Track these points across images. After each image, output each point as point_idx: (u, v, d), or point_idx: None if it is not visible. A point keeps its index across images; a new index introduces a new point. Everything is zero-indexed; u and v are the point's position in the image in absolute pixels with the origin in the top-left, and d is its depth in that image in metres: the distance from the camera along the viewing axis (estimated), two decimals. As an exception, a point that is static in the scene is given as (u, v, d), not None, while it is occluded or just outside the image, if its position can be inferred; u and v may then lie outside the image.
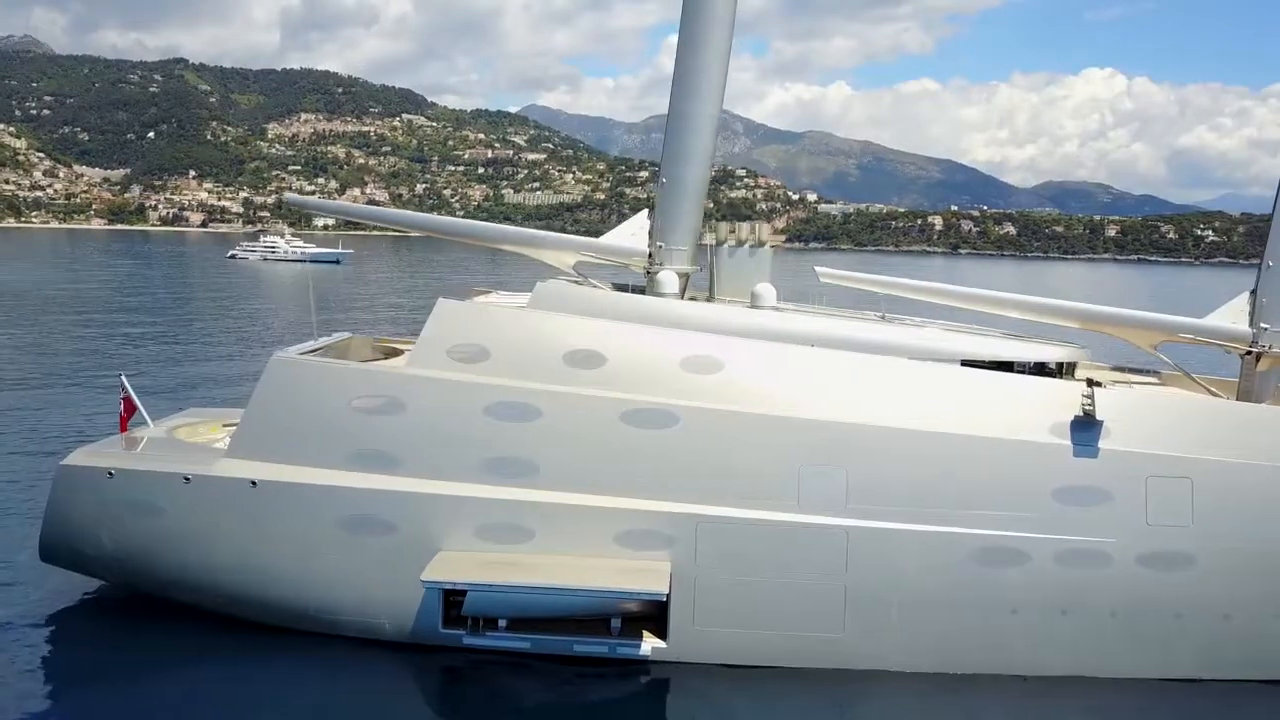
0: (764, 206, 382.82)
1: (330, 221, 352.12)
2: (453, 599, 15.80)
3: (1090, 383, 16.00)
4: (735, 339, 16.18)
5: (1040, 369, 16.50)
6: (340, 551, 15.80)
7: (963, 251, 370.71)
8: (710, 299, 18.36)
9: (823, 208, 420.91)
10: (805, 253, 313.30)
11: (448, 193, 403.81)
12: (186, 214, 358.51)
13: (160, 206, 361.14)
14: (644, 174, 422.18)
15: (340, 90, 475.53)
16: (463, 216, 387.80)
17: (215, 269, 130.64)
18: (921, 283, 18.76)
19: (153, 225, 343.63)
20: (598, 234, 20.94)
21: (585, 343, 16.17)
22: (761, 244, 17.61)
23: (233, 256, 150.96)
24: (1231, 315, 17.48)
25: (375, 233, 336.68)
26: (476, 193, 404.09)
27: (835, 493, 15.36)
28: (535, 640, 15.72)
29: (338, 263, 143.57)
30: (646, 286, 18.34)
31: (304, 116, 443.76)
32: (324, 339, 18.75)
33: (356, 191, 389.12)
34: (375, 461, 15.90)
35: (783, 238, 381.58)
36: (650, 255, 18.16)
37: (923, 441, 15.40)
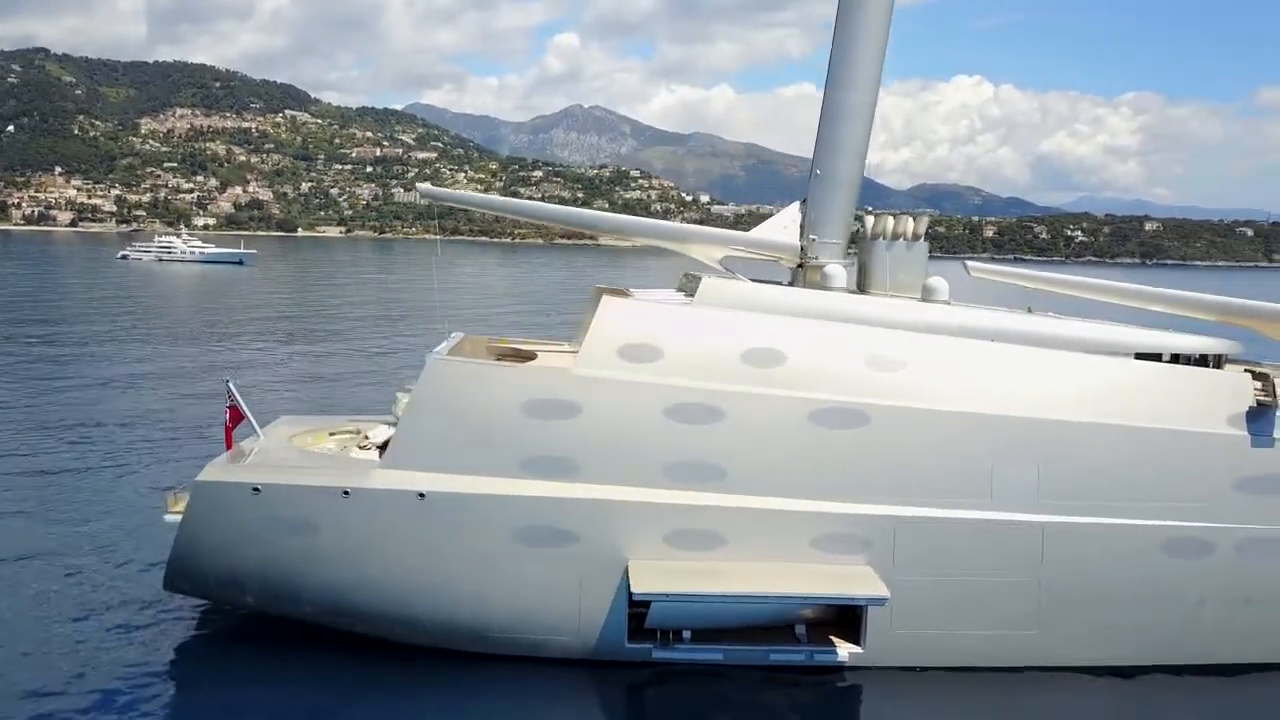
0: (658, 208, 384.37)
1: (210, 221, 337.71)
2: (634, 611, 15.06)
3: (1256, 374, 16.30)
4: (917, 334, 15.87)
5: (1202, 360, 16.73)
6: (519, 565, 14.84)
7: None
8: (859, 293, 17.96)
9: (715, 209, 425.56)
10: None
11: (335, 191, 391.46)
12: (54, 212, 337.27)
13: (24, 204, 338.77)
14: (538, 174, 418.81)
15: (218, 85, 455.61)
16: (351, 216, 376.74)
17: (109, 270, 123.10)
18: (1067, 276, 18.87)
19: (16, 224, 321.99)
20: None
21: (763, 340, 15.60)
22: (917, 238, 17.32)
23: (124, 257, 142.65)
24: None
25: (260, 233, 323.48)
26: (365, 191, 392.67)
27: (1028, 488, 15.24)
28: (729, 651, 15.09)
29: (241, 263, 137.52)
30: (795, 280, 17.86)
31: (179, 111, 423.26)
32: (451, 340, 17.63)
33: (239, 190, 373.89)
34: (552, 468, 14.98)
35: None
36: (803, 249, 17.68)
37: (1109, 435, 15.42)
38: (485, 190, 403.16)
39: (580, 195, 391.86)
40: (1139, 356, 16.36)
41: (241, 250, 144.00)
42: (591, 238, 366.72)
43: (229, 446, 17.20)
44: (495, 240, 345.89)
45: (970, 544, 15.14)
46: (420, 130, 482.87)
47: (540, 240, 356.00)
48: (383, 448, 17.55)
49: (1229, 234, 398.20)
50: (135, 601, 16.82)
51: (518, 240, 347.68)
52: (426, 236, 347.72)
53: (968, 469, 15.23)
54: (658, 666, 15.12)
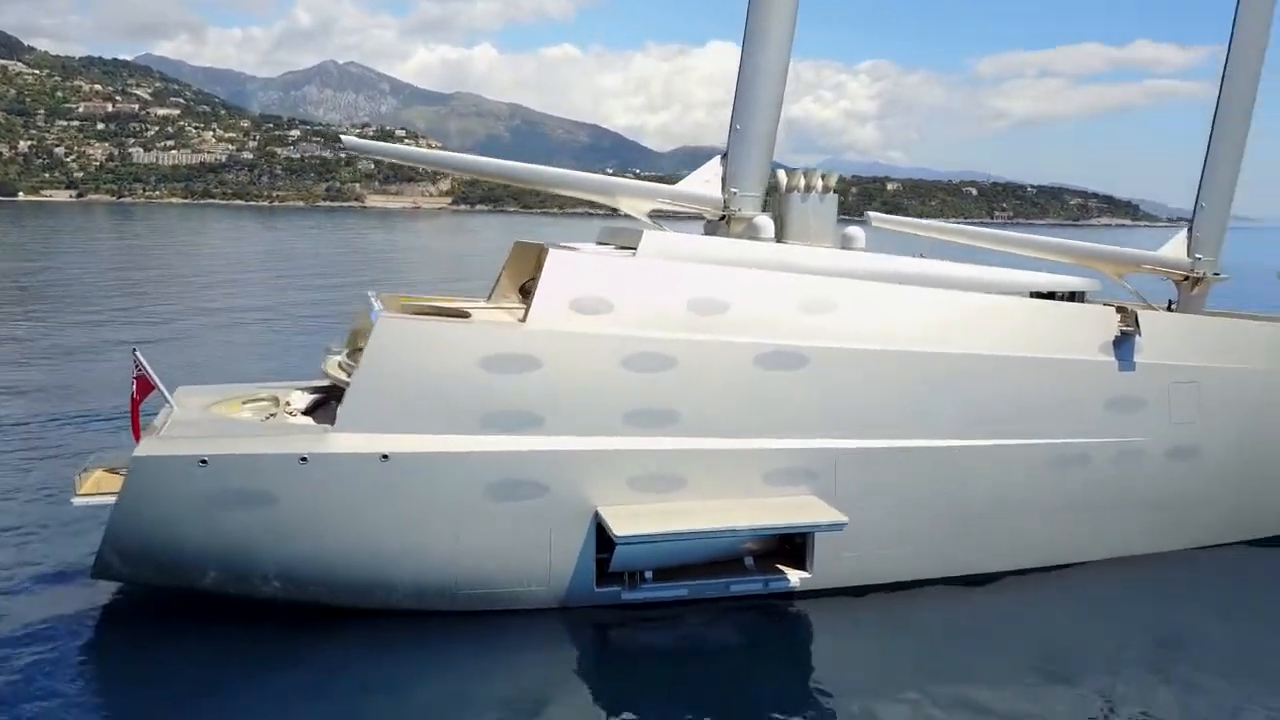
0: (426, 169, 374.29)
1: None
2: (599, 557, 15.44)
3: (1117, 308, 18.67)
4: (845, 280, 16.98)
5: (1071, 297, 18.94)
6: (490, 520, 14.83)
7: (623, 212, 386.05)
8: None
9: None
10: (474, 214, 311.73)
11: (61, 150, 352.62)
12: None
13: None
14: (295, 133, 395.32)
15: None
16: (82, 178, 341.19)
17: None
18: (948, 225, 20.71)
19: None
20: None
21: (707, 290, 16.23)
22: (827, 190, 18.38)
23: None
24: (1174, 249, 20.99)
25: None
26: (98, 151, 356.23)
27: (949, 417, 16.82)
28: (693, 586, 15.80)
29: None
30: (716, 232, 18.52)
31: None
32: (375, 298, 17.03)
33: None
34: (516, 422, 15.00)
35: (448, 199, 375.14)
36: (725, 202, 18.34)
37: (1015, 366, 17.28)
38: (238, 150, 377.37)
39: (344, 155, 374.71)
40: (1034, 295, 18.34)
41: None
42: (358, 199, 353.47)
43: (135, 420, 15.86)
44: (250, 204, 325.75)
45: (903, 471, 16.57)
46: (158, 84, 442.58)
47: (301, 203, 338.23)
48: (308, 412, 16.88)
49: (957, 193, 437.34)
50: (44, 591, 15.34)
51: (276, 204, 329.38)
52: (172, 200, 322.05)
53: (897, 403, 16.62)
54: (624, 607, 15.59)
